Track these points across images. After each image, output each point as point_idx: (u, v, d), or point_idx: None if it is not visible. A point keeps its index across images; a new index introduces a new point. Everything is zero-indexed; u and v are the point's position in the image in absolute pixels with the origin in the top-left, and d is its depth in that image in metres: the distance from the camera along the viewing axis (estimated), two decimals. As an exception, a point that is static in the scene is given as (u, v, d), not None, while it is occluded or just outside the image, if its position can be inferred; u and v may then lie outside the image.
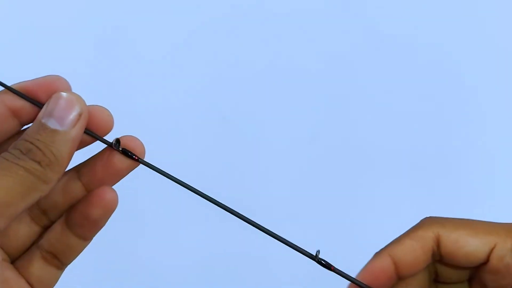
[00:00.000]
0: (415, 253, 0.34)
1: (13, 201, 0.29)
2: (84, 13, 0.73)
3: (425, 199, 0.71)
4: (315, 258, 0.35)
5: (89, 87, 0.68)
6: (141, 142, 0.34)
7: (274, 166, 0.72)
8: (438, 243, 0.34)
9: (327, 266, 0.35)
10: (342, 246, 0.56)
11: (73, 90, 0.33)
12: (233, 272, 0.70)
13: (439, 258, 0.35)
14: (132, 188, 0.52)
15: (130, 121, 0.60)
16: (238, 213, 0.35)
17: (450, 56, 0.74)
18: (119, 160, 0.33)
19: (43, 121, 0.30)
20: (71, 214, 0.34)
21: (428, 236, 0.34)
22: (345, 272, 0.35)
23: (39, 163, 0.30)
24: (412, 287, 0.35)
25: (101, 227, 0.34)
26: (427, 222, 0.35)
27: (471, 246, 0.33)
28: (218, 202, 0.35)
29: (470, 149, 0.73)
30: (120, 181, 0.35)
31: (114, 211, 0.34)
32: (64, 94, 0.31)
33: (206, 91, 0.73)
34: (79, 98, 0.31)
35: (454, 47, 0.74)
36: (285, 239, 0.35)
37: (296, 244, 0.35)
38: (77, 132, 0.31)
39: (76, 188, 0.34)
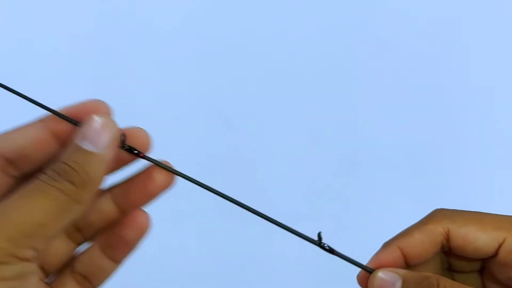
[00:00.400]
0: (424, 246, 0.35)
1: (49, 223, 0.30)
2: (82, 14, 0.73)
3: (422, 198, 0.72)
4: (318, 243, 0.35)
5: (90, 87, 0.68)
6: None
7: (274, 165, 0.72)
8: (447, 237, 0.35)
9: (330, 250, 0.35)
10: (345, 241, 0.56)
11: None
12: (234, 271, 0.70)
13: (448, 250, 0.36)
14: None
15: (129, 118, 0.59)
16: (241, 202, 0.35)
17: (453, 55, 0.74)
18: (154, 184, 0.35)
19: (77, 143, 0.31)
20: (106, 236, 0.36)
21: (437, 230, 0.35)
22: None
23: (73, 183, 0.31)
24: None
25: (134, 250, 0.36)
26: (437, 215, 0.36)
27: (480, 241, 0.34)
28: (224, 194, 0.35)
29: (472, 143, 0.73)
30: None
31: (147, 233, 0.35)
32: (97, 117, 0.32)
33: (207, 93, 0.73)
34: (111, 121, 0.32)
35: (458, 45, 0.74)
36: (288, 226, 0.35)
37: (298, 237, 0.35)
38: (109, 153, 0.32)
39: (110, 208, 0.36)
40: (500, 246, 0.35)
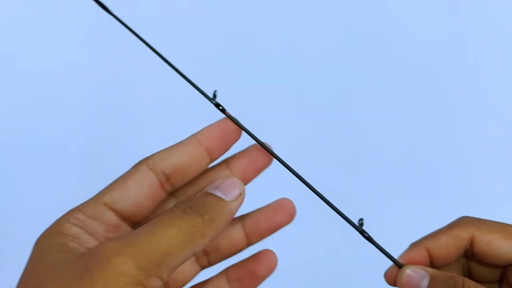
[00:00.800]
0: (449, 249, 0.37)
1: (175, 252, 0.32)
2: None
3: (423, 199, 0.71)
4: (360, 229, 0.37)
5: (90, 89, 0.68)
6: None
7: (273, 165, 0.72)
8: (471, 243, 0.37)
9: (368, 238, 0.37)
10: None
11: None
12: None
13: (471, 255, 0.38)
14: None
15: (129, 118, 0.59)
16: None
17: (455, 54, 0.74)
18: (281, 217, 0.39)
19: (211, 191, 0.35)
20: (236, 269, 0.40)
21: (463, 236, 0.37)
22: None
23: (202, 218, 0.33)
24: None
25: (258, 286, 0.39)
26: (464, 222, 0.38)
27: (503, 248, 0.37)
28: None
29: (474, 144, 0.73)
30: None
31: (271, 274, 0.39)
32: (231, 177, 0.36)
33: (206, 92, 0.72)
34: (241, 182, 0.36)
35: (461, 45, 0.74)
36: (333, 204, 0.38)
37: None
38: (236, 205, 0.35)
39: (238, 235, 0.40)
40: None
